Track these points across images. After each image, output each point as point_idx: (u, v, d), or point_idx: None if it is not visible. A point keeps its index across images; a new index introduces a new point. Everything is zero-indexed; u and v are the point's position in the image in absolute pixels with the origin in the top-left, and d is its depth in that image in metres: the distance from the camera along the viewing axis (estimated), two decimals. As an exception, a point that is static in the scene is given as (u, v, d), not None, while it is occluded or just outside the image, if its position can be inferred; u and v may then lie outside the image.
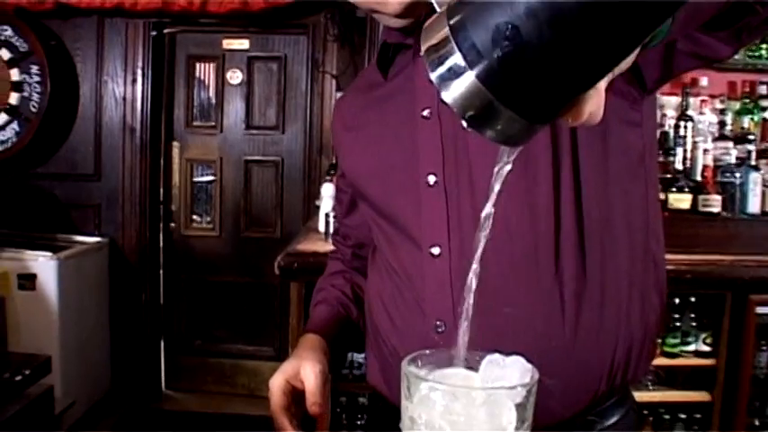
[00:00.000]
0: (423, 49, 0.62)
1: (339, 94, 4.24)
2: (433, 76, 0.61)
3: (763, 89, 3.72)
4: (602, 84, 0.63)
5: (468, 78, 0.59)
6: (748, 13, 0.91)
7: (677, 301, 3.23)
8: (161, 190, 4.97)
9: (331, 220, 3.07)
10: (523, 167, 1.10)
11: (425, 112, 1.22)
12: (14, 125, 4.50)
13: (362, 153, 1.35)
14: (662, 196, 3.35)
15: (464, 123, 0.62)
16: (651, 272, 1.24)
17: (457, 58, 0.59)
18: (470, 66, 0.59)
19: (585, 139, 1.13)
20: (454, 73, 0.60)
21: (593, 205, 1.14)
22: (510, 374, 0.81)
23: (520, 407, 0.77)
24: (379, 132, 1.31)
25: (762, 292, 3.12)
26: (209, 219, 5.03)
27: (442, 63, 0.60)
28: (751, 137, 3.56)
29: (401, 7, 1.17)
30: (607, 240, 1.15)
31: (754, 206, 3.42)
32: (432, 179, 1.19)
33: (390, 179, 1.27)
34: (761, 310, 3.13)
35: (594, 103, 0.63)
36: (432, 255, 1.17)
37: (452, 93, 0.60)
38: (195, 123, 5.01)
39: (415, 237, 1.21)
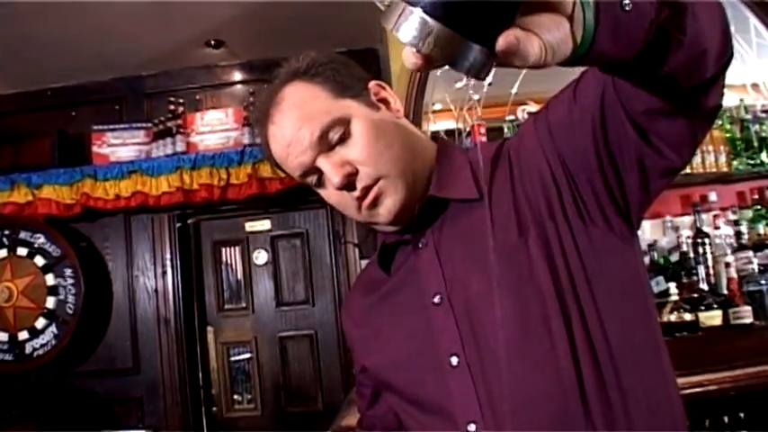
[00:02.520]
0: (383, 20, 0.79)
1: (364, 262, 4.34)
2: (392, 27, 0.77)
3: (771, 194, 3.78)
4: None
5: (417, 15, 0.75)
6: (669, 49, 0.93)
7: (726, 419, 3.16)
8: (200, 375, 5.02)
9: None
10: (539, 338, 1.19)
11: (436, 299, 1.30)
12: (53, 328, 4.64)
13: (382, 348, 1.42)
14: (692, 317, 3.36)
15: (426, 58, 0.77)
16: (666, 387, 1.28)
17: (404, 5, 0.76)
18: (414, 5, 0.75)
19: (593, 295, 1.21)
20: (405, 17, 0.76)
21: (608, 356, 1.19)
22: None
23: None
24: (394, 325, 1.40)
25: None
26: (249, 398, 5.04)
27: (396, 16, 0.77)
28: (768, 243, 3.60)
29: (362, 217, 1.36)
30: (627, 378, 1.20)
31: (785, 313, 3.41)
32: (454, 360, 1.25)
33: (413, 367, 1.33)
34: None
35: (521, 35, 0.76)
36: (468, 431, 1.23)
37: (408, 32, 0.76)
38: (227, 307, 5.11)
39: (448, 417, 1.26)
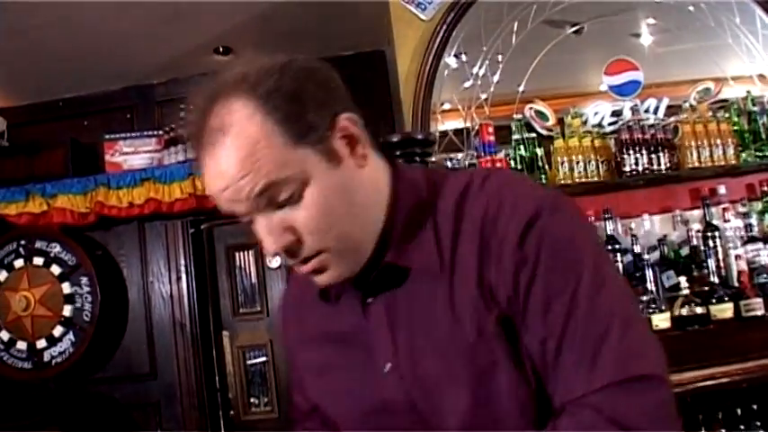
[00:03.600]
0: None
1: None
2: None
3: (780, 185, 3.78)
4: None
5: None
6: None
7: (739, 412, 3.18)
8: (216, 379, 5.06)
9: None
10: None
11: (386, 368, 1.20)
12: (70, 336, 4.70)
13: (332, 396, 1.34)
14: (703, 310, 3.37)
15: None
16: None
17: None
18: None
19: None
20: None
21: None
22: None
23: None
24: (343, 377, 1.30)
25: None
26: (266, 400, 5.09)
27: None
28: (779, 237, 3.61)
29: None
30: None
31: (797, 303, 3.42)
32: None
33: (364, 424, 1.27)
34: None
35: None
36: None
37: None
38: (242, 311, 5.16)
39: None
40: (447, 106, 3.96)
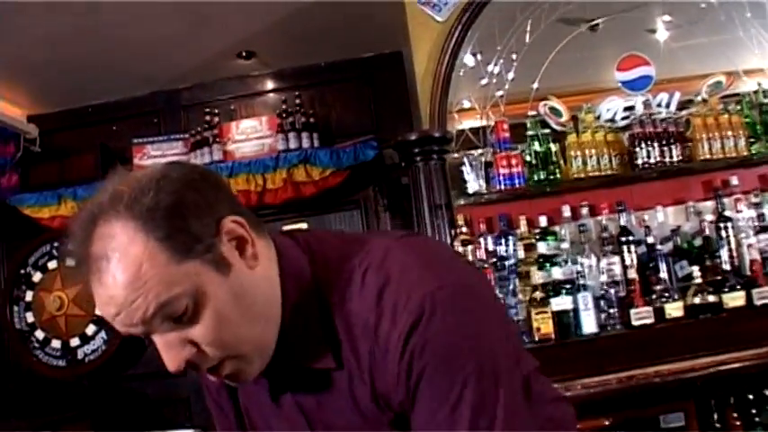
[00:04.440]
0: None
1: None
2: None
3: (794, 175, 3.84)
4: None
5: None
6: None
7: (751, 397, 3.25)
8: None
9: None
10: None
11: None
12: (102, 334, 4.87)
13: None
14: (715, 299, 3.45)
15: None
16: None
17: None
18: None
19: None
20: None
21: None
22: None
23: None
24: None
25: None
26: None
27: None
28: (789, 226, 3.67)
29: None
30: None
31: (810, 290, 3.49)
32: None
33: None
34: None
35: None
36: None
37: None
38: (267, 306, 5.28)
39: None
40: (466, 104, 4.06)
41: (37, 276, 5.05)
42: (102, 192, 1.12)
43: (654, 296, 3.49)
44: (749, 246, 3.61)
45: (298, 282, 1.19)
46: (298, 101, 4.94)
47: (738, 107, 3.92)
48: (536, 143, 3.83)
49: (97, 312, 1.00)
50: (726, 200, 3.76)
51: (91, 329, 4.89)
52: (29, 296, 5.07)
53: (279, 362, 1.20)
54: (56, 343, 4.96)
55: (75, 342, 4.94)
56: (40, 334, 5.01)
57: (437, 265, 1.19)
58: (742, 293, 3.46)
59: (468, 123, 4.07)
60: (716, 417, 3.20)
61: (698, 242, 3.73)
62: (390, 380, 1.13)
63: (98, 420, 4.85)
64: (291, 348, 1.19)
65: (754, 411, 3.22)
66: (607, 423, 3.06)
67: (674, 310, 3.44)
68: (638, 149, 3.76)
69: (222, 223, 1.12)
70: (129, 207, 1.07)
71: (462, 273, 1.21)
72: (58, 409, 4.81)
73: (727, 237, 3.65)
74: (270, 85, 5.26)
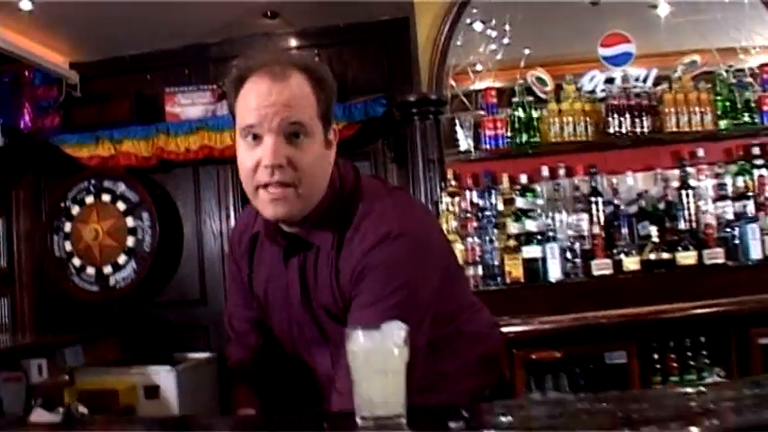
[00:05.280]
0: None
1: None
2: None
3: (755, 150, 4.20)
4: None
5: None
6: None
7: (689, 342, 3.69)
8: (259, 307, 5.67)
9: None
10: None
11: (295, 302, 1.77)
12: (132, 264, 5.35)
13: (272, 312, 1.86)
14: (669, 256, 3.87)
15: None
16: None
17: None
18: None
19: None
20: None
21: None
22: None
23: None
24: (274, 303, 1.84)
25: (762, 326, 3.57)
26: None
27: None
28: (749, 194, 4.05)
29: (255, 197, 1.67)
30: None
31: (756, 253, 3.89)
32: (314, 338, 1.80)
33: (287, 335, 1.84)
34: (763, 341, 3.57)
35: None
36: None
37: None
38: (283, 246, 5.73)
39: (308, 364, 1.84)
40: (480, 68, 4.45)
41: (75, 209, 5.49)
42: (294, 54, 1.84)
43: (615, 251, 3.92)
44: (706, 212, 4.01)
45: (332, 183, 1.72)
46: (317, 57, 5.32)
47: (709, 85, 4.27)
48: (520, 109, 4.24)
49: (251, 102, 1.39)
50: (690, 169, 4.14)
51: (122, 259, 5.36)
52: (67, 227, 5.50)
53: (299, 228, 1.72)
54: (90, 270, 5.43)
55: (107, 270, 5.40)
56: (76, 261, 5.46)
57: (407, 216, 1.72)
58: (694, 253, 3.87)
59: (464, 87, 4.47)
60: (656, 357, 3.65)
61: (661, 206, 4.12)
62: (348, 278, 1.65)
63: (125, 340, 5.36)
64: (306, 228, 1.71)
65: (689, 355, 3.67)
66: (558, 355, 3.53)
67: (632, 263, 3.87)
68: (610, 119, 4.16)
69: (333, 125, 1.73)
70: (309, 73, 1.65)
71: (422, 228, 1.75)
72: (90, 327, 5.33)
73: (688, 203, 4.05)
74: (292, 42, 5.63)
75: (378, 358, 1.37)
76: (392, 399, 1.36)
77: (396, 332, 1.40)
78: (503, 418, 1.37)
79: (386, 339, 1.39)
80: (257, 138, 1.60)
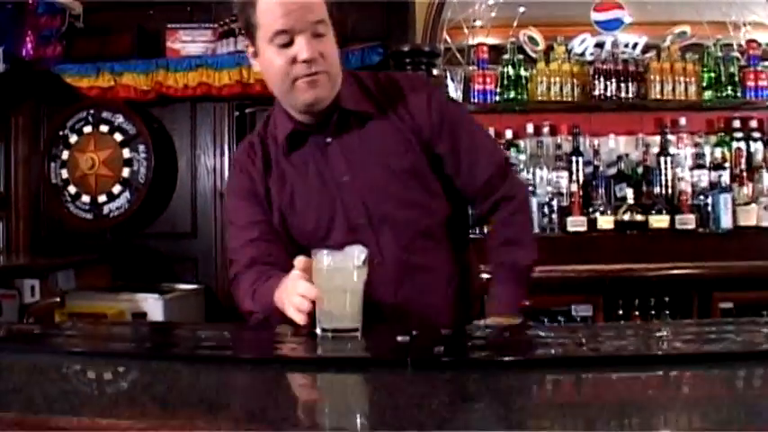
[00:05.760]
0: None
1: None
2: None
3: (736, 123, 4.34)
4: None
5: None
6: None
7: (653, 301, 3.86)
8: (247, 244, 5.81)
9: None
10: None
11: (345, 178, 1.94)
12: (126, 194, 5.46)
13: (295, 211, 1.99)
14: (642, 218, 4.02)
15: None
16: None
17: None
18: None
19: None
20: None
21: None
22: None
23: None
24: (306, 194, 1.98)
25: (725, 290, 3.74)
26: (289, 266, 5.83)
27: None
28: (726, 165, 4.19)
29: (295, 92, 1.89)
30: None
31: (726, 223, 4.05)
32: (362, 221, 1.95)
33: (322, 228, 1.98)
34: (723, 305, 3.74)
35: None
36: None
37: None
38: (275, 187, 5.87)
39: None
40: (477, 23, 4.55)
41: (73, 138, 5.57)
42: None
43: (591, 209, 4.07)
44: (682, 179, 4.16)
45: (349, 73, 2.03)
46: (318, 4, 5.41)
47: (696, 56, 4.39)
48: (510, 67, 4.36)
49: (280, 26, 1.60)
50: (671, 137, 4.28)
51: (117, 189, 5.46)
52: (65, 155, 5.58)
53: (331, 115, 1.94)
54: (85, 198, 5.52)
55: (102, 199, 5.49)
56: (72, 189, 5.55)
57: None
58: (666, 218, 4.04)
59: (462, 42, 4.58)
60: (620, 313, 3.82)
61: (640, 170, 4.27)
62: (428, 133, 1.96)
63: (116, 268, 5.52)
64: (349, 100, 1.95)
65: (653, 313, 3.84)
66: (527, 303, 3.69)
67: (606, 222, 4.03)
68: (597, 82, 4.28)
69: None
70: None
71: None
72: (82, 254, 5.49)
73: (666, 169, 4.20)
74: (294, -13, 5.70)
75: (338, 276, 1.56)
76: (350, 314, 1.56)
77: (356, 254, 1.59)
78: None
79: (347, 260, 1.58)
80: (288, 39, 1.81)
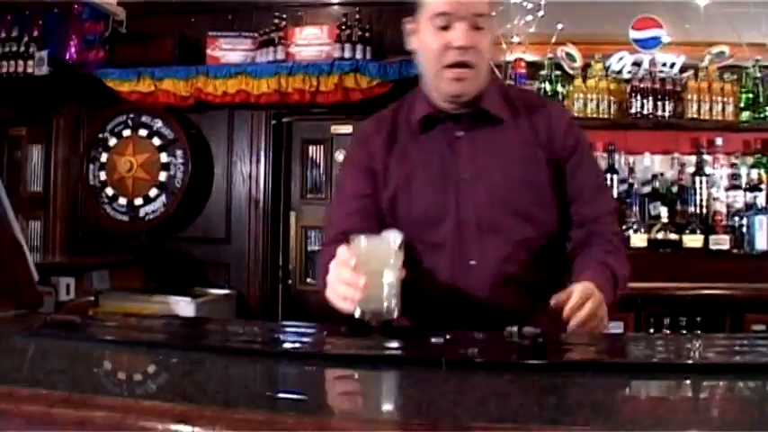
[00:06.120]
0: None
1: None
2: None
3: (773, 145, 4.33)
4: None
5: None
6: None
7: (685, 321, 3.84)
8: (280, 251, 5.88)
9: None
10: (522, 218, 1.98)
11: (466, 175, 1.95)
12: (163, 198, 5.56)
13: (410, 194, 1.97)
14: (676, 237, 4.01)
15: None
16: None
17: None
18: None
19: None
20: None
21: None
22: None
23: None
24: (425, 181, 1.97)
25: (756, 312, 3.73)
26: (319, 276, 5.85)
27: None
28: (762, 186, 4.18)
29: (442, 77, 1.91)
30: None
31: (761, 244, 4.03)
32: (472, 219, 1.94)
33: (435, 218, 1.97)
34: (756, 327, 3.72)
35: None
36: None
37: None
38: (309, 196, 5.92)
39: (450, 253, 1.95)
40: (515, 39, 4.58)
41: (112, 141, 5.69)
42: None
43: (624, 227, 4.07)
44: (717, 199, 4.15)
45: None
46: (357, 16, 5.46)
47: (735, 77, 4.38)
48: (547, 82, 4.37)
49: (443, 9, 1.64)
50: (707, 157, 4.27)
51: (153, 192, 5.57)
52: (104, 157, 5.70)
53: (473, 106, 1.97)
54: (122, 200, 5.64)
55: (138, 201, 5.60)
56: (109, 191, 5.67)
57: None
58: (701, 237, 4.03)
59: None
60: (651, 331, 3.81)
61: (674, 189, 4.26)
62: (559, 146, 1.97)
63: (150, 270, 5.61)
64: (488, 102, 1.97)
65: (683, 333, 3.82)
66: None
67: (639, 240, 4.03)
68: (633, 100, 4.29)
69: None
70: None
71: None
72: (119, 254, 5.57)
73: (701, 188, 4.19)
74: (335, -1, 5.79)
75: (376, 260, 1.59)
76: (387, 296, 1.59)
77: (392, 239, 1.64)
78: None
79: (385, 244, 1.62)
80: (446, 23, 1.85)
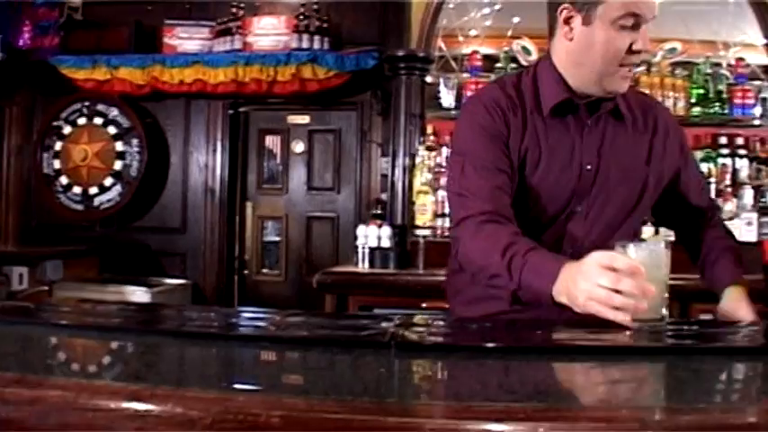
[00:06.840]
0: None
1: (384, 159, 5.10)
2: None
3: (722, 140, 4.41)
4: None
5: None
6: None
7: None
8: (236, 242, 5.89)
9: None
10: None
11: (588, 166, 1.93)
12: (118, 187, 5.52)
13: (539, 182, 1.94)
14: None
15: None
16: None
17: None
18: None
19: None
20: None
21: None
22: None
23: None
24: (549, 165, 1.94)
25: (702, 302, 3.79)
26: (275, 265, 5.88)
27: None
28: (711, 179, 4.26)
29: (610, 74, 1.86)
30: None
31: (709, 236, 4.09)
32: (579, 209, 1.95)
33: (555, 202, 1.94)
34: (702, 316, 3.79)
35: None
36: None
37: None
38: (265, 186, 5.92)
39: (561, 239, 1.96)
40: (472, 32, 4.60)
41: (67, 129, 5.65)
42: None
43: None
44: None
45: None
46: (315, 6, 5.44)
47: (686, 73, 4.47)
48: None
49: (635, 10, 1.62)
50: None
51: (108, 181, 5.53)
52: (58, 146, 5.66)
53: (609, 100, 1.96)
54: (77, 189, 5.59)
55: (93, 190, 5.57)
56: (63, 180, 5.63)
57: None
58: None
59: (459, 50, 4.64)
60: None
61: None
62: (678, 151, 2.07)
63: (105, 260, 5.57)
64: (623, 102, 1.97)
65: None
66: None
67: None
68: (584, 94, 4.33)
69: None
70: None
71: None
72: (72, 245, 5.52)
73: (651, 181, 4.25)
74: (293, -11, 5.77)
75: (650, 268, 1.57)
76: (657, 305, 1.62)
77: (664, 250, 1.68)
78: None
79: (657, 254, 1.66)
80: (633, 23, 1.81)
